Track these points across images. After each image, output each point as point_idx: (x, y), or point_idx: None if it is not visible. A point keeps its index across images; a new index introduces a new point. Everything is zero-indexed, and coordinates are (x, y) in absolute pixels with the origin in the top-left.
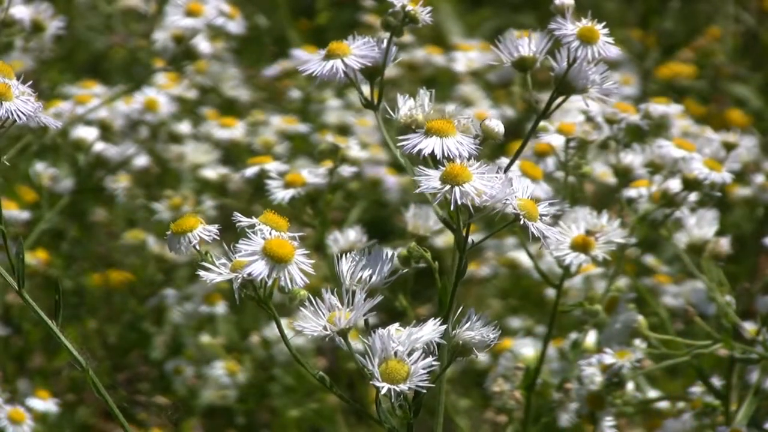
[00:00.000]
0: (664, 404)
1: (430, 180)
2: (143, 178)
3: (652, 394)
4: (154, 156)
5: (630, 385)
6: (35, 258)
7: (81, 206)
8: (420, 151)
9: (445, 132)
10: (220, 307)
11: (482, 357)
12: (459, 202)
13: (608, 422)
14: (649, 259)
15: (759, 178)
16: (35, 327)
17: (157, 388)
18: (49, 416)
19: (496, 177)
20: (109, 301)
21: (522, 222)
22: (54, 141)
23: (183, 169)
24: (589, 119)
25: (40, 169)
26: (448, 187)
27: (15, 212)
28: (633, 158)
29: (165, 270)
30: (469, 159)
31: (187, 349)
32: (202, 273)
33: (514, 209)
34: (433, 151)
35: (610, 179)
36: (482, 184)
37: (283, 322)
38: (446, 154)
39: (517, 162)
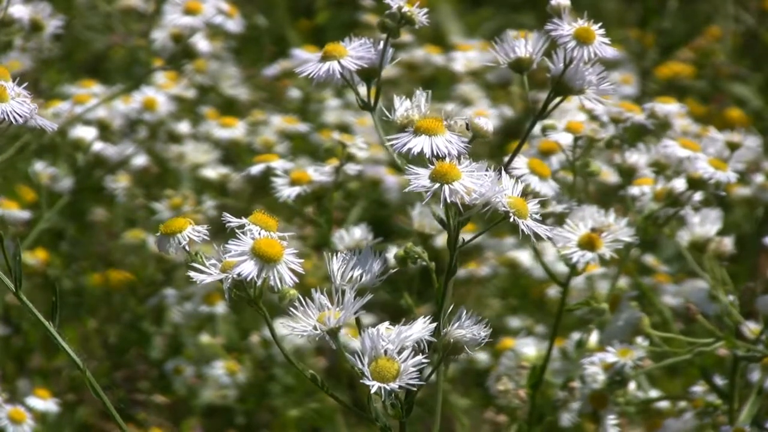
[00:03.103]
0: (664, 404)
1: (420, 179)
2: (143, 178)
3: (653, 393)
4: (154, 156)
5: (632, 385)
6: (35, 258)
7: (80, 206)
8: (410, 150)
9: (434, 131)
10: (220, 307)
11: (483, 357)
12: (448, 200)
13: (611, 421)
14: (649, 259)
15: (759, 178)
16: (34, 327)
17: (157, 388)
18: (49, 416)
19: (486, 175)
20: (109, 301)
21: (512, 219)
22: (53, 140)
23: (183, 169)
24: (594, 118)
25: (40, 168)
26: (437, 185)
27: (15, 212)
28: (638, 158)
29: (165, 270)
30: (459, 157)
31: (187, 348)
32: (192, 274)
33: (504, 207)
34: (422, 149)
35: (611, 178)
36: (471, 182)
37: (280, 322)
38: (435, 153)
39: (525, 160)
